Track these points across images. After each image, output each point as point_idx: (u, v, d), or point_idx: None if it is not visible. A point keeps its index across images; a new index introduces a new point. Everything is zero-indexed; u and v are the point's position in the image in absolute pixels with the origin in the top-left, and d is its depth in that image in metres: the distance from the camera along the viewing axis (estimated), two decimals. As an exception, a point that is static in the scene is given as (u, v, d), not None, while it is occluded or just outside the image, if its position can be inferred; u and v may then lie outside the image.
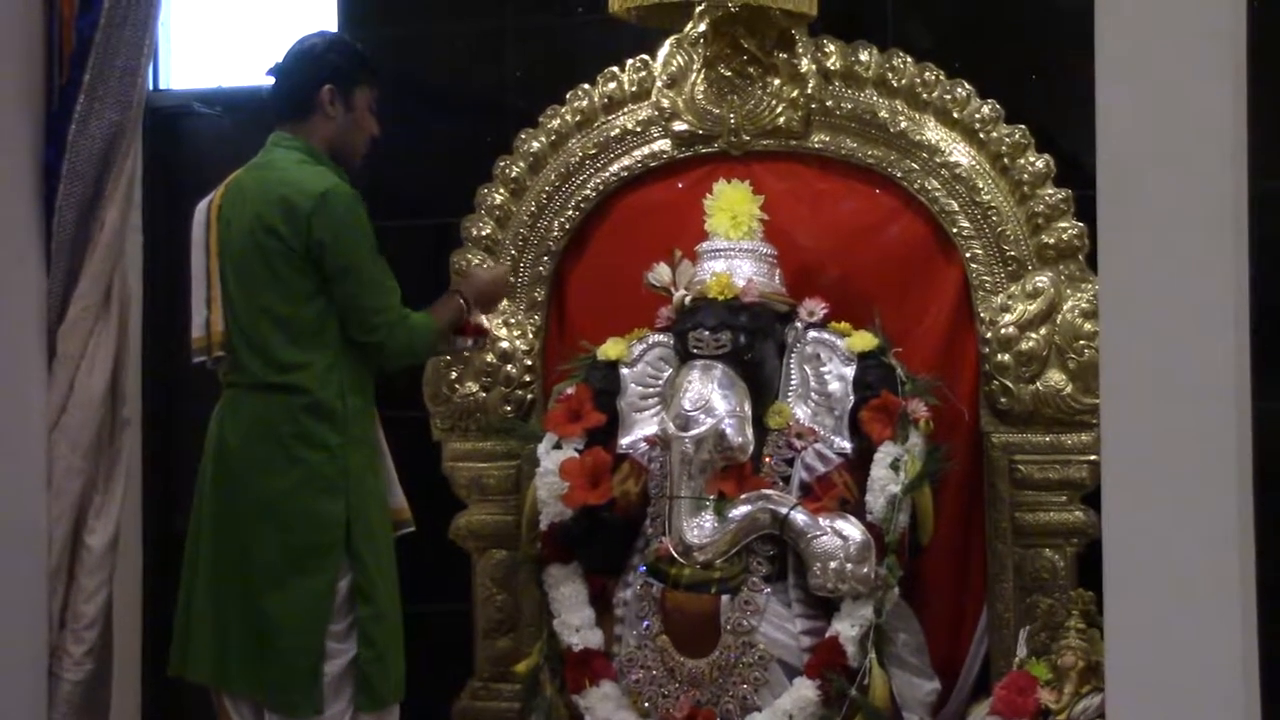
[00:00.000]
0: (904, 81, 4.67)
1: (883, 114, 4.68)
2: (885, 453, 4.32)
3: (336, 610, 4.20)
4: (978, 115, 4.61)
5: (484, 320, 4.65)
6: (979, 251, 4.59)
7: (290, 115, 4.37)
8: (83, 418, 4.59)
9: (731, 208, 4.59)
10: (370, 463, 4.31)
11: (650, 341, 4.68)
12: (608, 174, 4.91)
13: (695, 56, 4.81)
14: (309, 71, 4.36)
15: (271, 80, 4.43)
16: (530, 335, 4.92)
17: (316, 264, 4.19)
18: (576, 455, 4.55)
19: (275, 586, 4.18)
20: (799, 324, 4.54)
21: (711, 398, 4.30)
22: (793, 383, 4.52)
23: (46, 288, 4.59)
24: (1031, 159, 4.57)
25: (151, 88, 5.56)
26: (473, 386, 4.94)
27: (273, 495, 4.20)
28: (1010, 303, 4.53)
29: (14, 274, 4.51)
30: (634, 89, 4.91)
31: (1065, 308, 4.49)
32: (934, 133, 4.65)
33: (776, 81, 4.73)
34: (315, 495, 4.19)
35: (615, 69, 4.94)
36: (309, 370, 4.20)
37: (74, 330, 4.60)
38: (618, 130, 4.91)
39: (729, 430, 4.27)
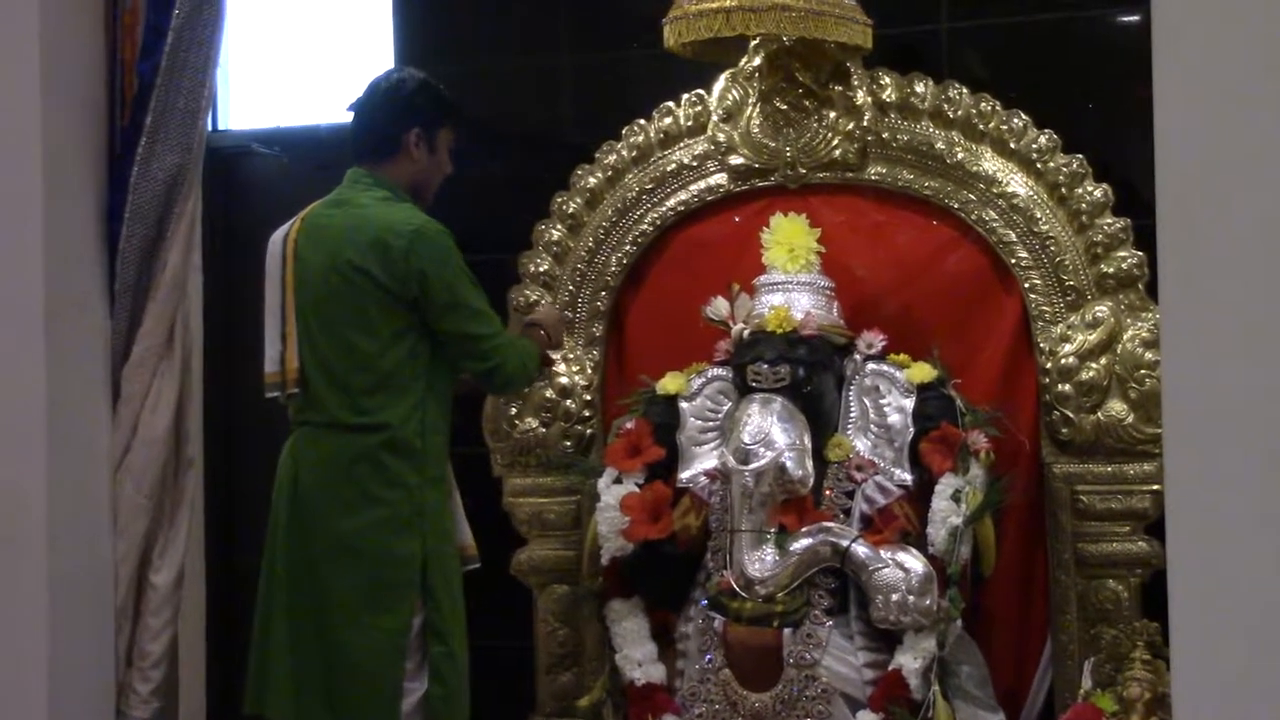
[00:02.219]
0: (960, 112, 4.67)
1: (939, 145, 4.67)
2: (946, 484, 4.31)
3: (409, 646, 4.21)
4: (1035, 145, 4.60)
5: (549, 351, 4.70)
6: (1038, 282, 4.57)
7: (373, 155, 4.40)
8: (147, 457, 4.63)
9: (789, 240, 4.59)
10: (445, 502, 4.33)
11: (709, 375, 4.67)
12: (664, 208, 4.92)
13: (751, 90, 4.82)
14: (397, 114, 4.39)
15: (352, 116, 4.45)
16: (589, 370, 4.92)
17: (411, 302, 4.21)
18: (637, 490, 4.55)
19: (351, 624, 4.19)
20: (858, 356, 4.54)
21: (771, 431, 4.30)
22: (852, 415, 4.51)
23: (110, 329, 4.63)
24: (1089, 188, 4.55)
25: (211, 129, 5.61)
26: (532, 422, 4.94)
27: (349, 533, 4.21)
28: (1070, 333, 4.52)
29: (78, 316, 4.55)
30: (690, 123, 4.92)
31: (1126, 337, 4.48)
32: (991, 163, 4.64)
33: (832, 114, 4.73)
34: (392, 534, 4.21)
35: (671, 104, 4.95)
36: (392, 409, 4.21)
37: (138, 370, 4.63)
38: (674, 165, 4.92)
39: (789, 463, 4.27)
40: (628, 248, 4.94)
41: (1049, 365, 4.52)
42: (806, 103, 4.77)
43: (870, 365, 4.52)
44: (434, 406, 4.28)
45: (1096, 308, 4.51)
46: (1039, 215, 4.57)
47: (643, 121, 4.98)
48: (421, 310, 4.22)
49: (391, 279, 4.19)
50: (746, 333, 4.50)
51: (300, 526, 4.27)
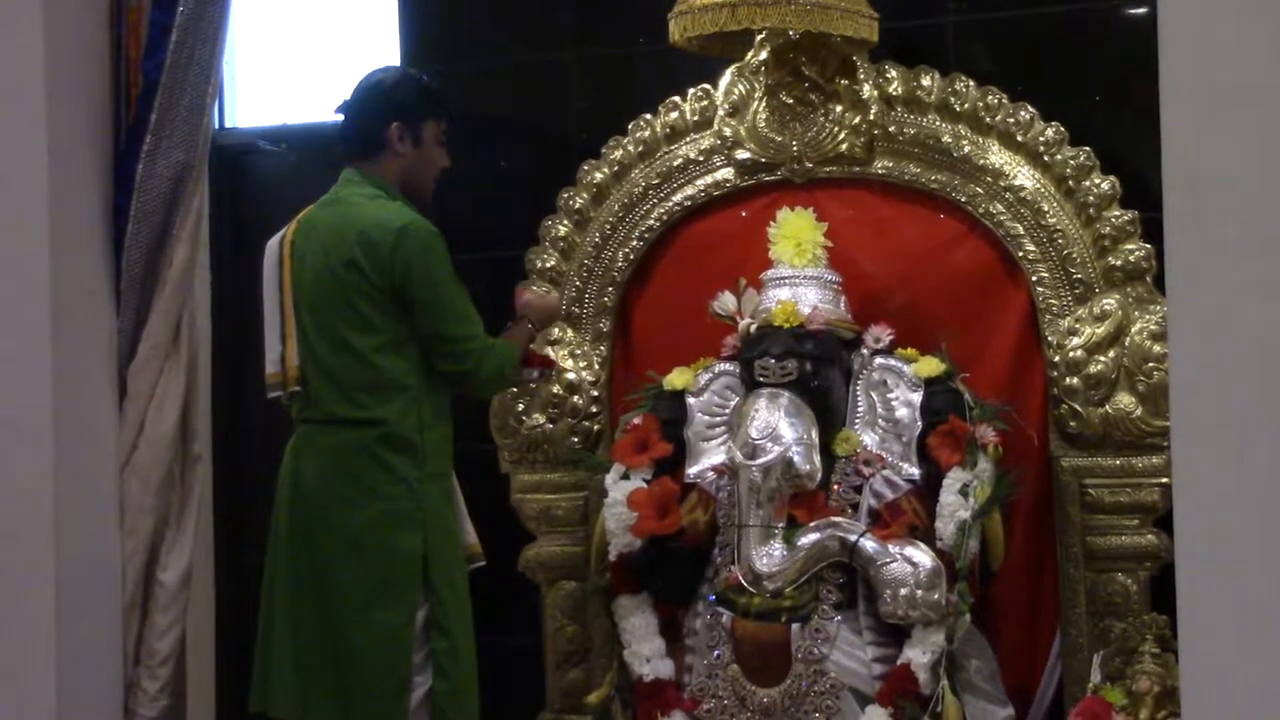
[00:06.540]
0: (967, 106, 4.66)
1: (946, 139, 4.67)
2: (954, 478, 4.30)
3: (414, 641, 4.22)
4: (1042, 138, 4.59)
5: (550, 352, 4.68)
6: (1045, 275, 4.56)
7: (360, 153, 4.41)
8: (154, 455, 4.62)
9: (796, 235, 4.58)
10: (446, 498, 4.34)
11: (716, 370, 4.67)
12: (671, 203, 4.92)
13: (757, 85, 4.81)
14: (377, 110, 4.40)
15: (340, 118, 4.46)
16: (596, 366, 4.92)
17: (398, 299, 4.22)
18: (644, 485, 4.54)
19: (355, 620, 4.20)
20: (865, 351, 4.53)
21: (779, 426, 4.29)
22: (860, 410, 4.50)
23: (116, 327, 4.63)
24: (1097, 181, 4.55)
25: (217, 126, 5.61)
26: (540, 418, 4.95)
27: (351, 529, 4.22)
28: (1078, 326, 4.51)
29: (84, 314, 4.55)
30: (696, 118, 4.92)
31: (1133, 330, 4.47)
32: (998, 156, 4.63)
33: (839, 108, 4.73)
34: (393, 529, 4.21)
35: (677, 98, 4.95)
36: (389, 405, 4.22)
37: (144, 369, 4.63)
38: (680, 160, 4.92)
39: (797, 458, 4.26)
40: (634, 243, 4.94)
41: (1057, 358, 4.51)
42: (813, 97, 4.76)
43: (878, 360, 4.51)
44: (430, 403, 4.29)
45: (1104, 301, 4.50)
46: (1046, 208, 4.56)
47: (649, 116, 4.97)
48: (404, 307, 4.23)
49: (378, 274, 4.21)
50: (754, 328, 4.49)
51: (303, 523, 4.28)
